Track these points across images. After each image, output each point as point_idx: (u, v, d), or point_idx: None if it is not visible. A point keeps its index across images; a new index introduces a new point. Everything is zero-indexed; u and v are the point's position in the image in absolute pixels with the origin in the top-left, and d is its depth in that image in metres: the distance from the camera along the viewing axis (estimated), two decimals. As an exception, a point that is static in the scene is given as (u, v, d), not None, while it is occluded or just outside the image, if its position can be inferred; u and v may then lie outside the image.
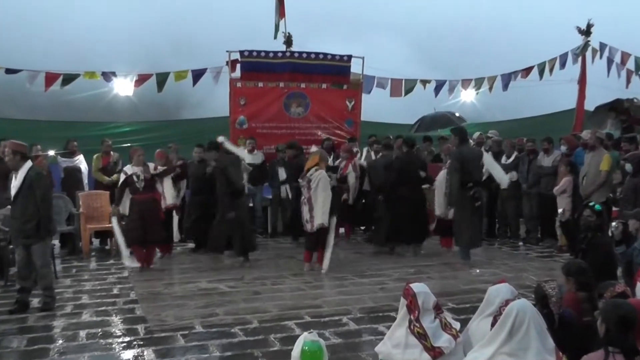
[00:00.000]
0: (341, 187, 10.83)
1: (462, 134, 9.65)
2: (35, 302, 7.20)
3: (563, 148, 11.13)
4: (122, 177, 9.40)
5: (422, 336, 4.56)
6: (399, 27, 31.82)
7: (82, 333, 6.17)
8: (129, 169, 9.36)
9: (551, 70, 14.90)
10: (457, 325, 4.85)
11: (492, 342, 4.09)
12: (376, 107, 14.94)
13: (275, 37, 13.75)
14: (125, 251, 9.22)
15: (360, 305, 7.10)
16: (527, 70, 15.08)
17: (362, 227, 12.66)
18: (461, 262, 9.39)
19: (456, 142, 9.51)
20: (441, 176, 9.83)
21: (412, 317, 4.64)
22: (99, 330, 6.28)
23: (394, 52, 27.72)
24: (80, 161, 11.80)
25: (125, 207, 9.41)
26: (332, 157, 12.17)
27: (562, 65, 14.88)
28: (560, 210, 9.96)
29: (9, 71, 12.22)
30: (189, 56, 22.38)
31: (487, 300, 4.64)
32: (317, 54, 13.10)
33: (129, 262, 9.18)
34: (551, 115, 17.67)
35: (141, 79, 13.09)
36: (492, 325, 4.29)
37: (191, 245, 10.96)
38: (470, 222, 9.36)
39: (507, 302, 4.27)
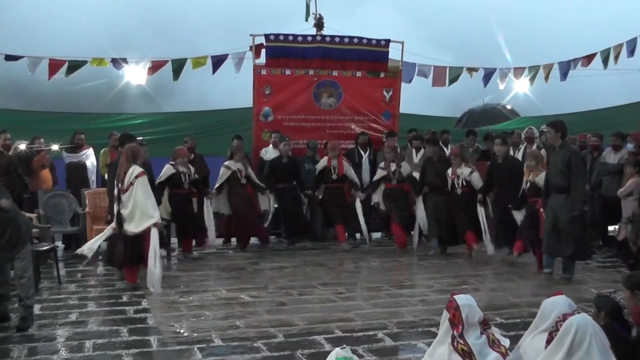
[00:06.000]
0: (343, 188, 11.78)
1: (565, 128, 8.95)
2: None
3: (630, 146, 10.98)
4: (227, 172, 11.11)
5: (466, 354, 4.57)
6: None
7: (88, 344, 6.24)
8: (232, 164, 11.18)
9: (616, 57, 14.67)
10: (506, 342, 4.84)
11: (547, 360, 4.07)
12: (411, 98, 14.80)
13: (306, 20, 13.71)
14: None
15: (397, 319, 7.09)
16: (588, 58, 14.84)
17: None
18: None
19: (558, 139, 8.83)
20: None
21: (455, 332, 4.65)
22: (107, 340, 6.35)
23: (392, 28, 25.59)
24: (88, 156, 11.97)
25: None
26: (367, 153, 12.19)
27: (631, 52, 14.61)
28: (625, 217, 9.84)
29: (9, 58, 12.38)
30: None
31: (542, 315, 4.62)
32: (351, 37, 13.01)
33: None
34: (616, 108, 17.48)
35: (155, 66, 13.13)
36: (547, 342, 4.27)
37: None
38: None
39: (564, 317, 4.25)
